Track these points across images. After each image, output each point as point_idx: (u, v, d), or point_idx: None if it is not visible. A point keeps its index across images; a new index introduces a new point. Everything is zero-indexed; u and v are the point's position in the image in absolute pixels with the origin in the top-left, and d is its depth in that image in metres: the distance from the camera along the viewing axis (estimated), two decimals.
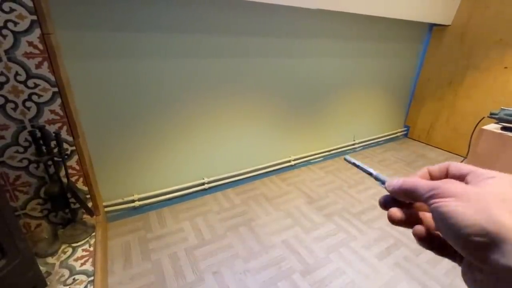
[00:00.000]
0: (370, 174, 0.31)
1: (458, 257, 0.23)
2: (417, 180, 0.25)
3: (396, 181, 0.26)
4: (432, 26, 2.43)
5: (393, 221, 0.27)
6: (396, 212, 0.26)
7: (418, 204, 0.27)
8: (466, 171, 0.24)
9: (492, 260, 0.18)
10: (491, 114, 1.21)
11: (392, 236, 1.41)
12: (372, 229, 1.46)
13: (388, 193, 0.28)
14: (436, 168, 0.27)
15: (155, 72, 1.33)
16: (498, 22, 2.02)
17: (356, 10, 1.67)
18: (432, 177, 0.27)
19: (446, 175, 0.26)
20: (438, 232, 0.24)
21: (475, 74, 2.23)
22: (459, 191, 0.21)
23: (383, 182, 0.29)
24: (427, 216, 0.26)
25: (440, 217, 0.20)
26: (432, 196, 0.22)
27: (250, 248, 1.29)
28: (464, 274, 0.22)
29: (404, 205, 0.27)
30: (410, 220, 0.26)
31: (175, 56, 1.35)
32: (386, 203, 0.28)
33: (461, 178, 0.24)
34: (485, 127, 1.21)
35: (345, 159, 0.37)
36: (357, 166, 0.34)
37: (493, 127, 1.21)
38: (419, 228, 0.25)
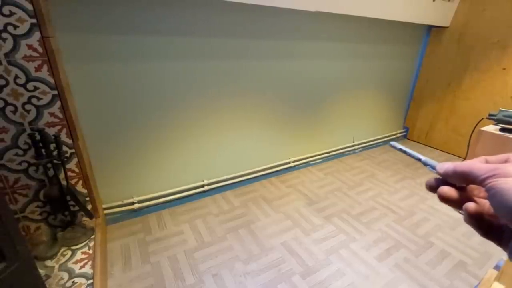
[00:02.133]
0: (418, 159, 0.31)
1: (504, 240, 0.24)
2: (473, 162, 0.25)
3: (448, 164, 0.27)
4: (430, 28, 2.45)
5: (444, 198, 0.27)
6: (448, 190, 0.27)
7: (469, 188, 0.27)
8: None
9: None
10: (489, 115, 1.21)
11: (392, 237, 1.41)
12: (371, 230, 1.46)
13: (438, 177, 0.28)
14: (494, 158, 0.27)
15: (155, 75, 1.33)
16: (496, 24, 2.03)
17: (354, 12, 1.67)
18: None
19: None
20: (488, 216, 0.25)
21: (474, 75, 2.24)
22: None
23: (433, 167, 0.29)
24: (478, 200, 0.26)
25: (498, 193, 0.21)
26: (490, 177, 0.22)
27: (249, 250, 1.28)
28: None
29: (455, 188, 0.27)
30: (460, 201, 0.26)
31: (174, 59, 1.36)
32: (435, 186, 0.28)
33: None
34: (483, 128, 1.21)
35: (390, 145, 0.37)
36: (404, 152, 0.34)
37: (492, 128, 1.21)
38: (471, 204, 0.25)
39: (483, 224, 0.25)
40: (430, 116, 2.61)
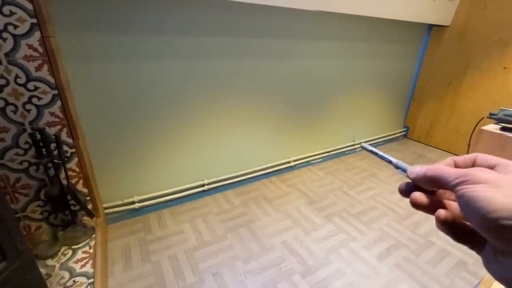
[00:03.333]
0: (389, 162, 0.31)
1: (477, 244, 0.24)
2: (443, 167, 0.25)
3: (419, 168, 0.27)
4: (431, 27, 2.44)
5: (416, 205, 0.27)
6: (419, 196, 0.27)
7: (440, 192, 0.27)
8: (494, 162, 0.24)
9: None
10: (490, 114, 1.21)
11: (392, 236, 1.41)
12: (372, 229, 1.46)
13: (409, 181, 0.28)
14: (461, 158, 0.27)
15: (155, 74, 1.33)
16: (497, 23, 2.03)
17: (354, 11, 1.67)
18: (457, 167, 0.27)
19: (472, 166, 0.26)
20: (460, 219, 0.25)
21: (475, 74, 2.23)
22: (491, 178, 0.21)
23: (404, 170, 0.29)
24: (450, 203, 0.27)
25: (469, 201, 0.21)
26: (461, 183, 0.22)
27: (250, 250, 1.29)
28: (487, 261, 0.22)
29: (425, 192, 0.27)
30: (432, 206, 0.26)
31: (174, 59, 1.36)
32: (407, 190, 0.28)
33: (488, 168, 0.24)
34: (484, 127, 1.21)
35: (362, 147, 0.37)
36: (376, 154, 0.33)
37: (493, 127, 1.21)
38: (443, 212, 0.25)
39: (456, 229, 0.25)
40: (430, 115, 2.61)
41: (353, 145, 2.45)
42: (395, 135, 2.79)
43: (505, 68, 2.05)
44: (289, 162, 2.06)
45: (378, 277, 1.17)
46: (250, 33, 1.53)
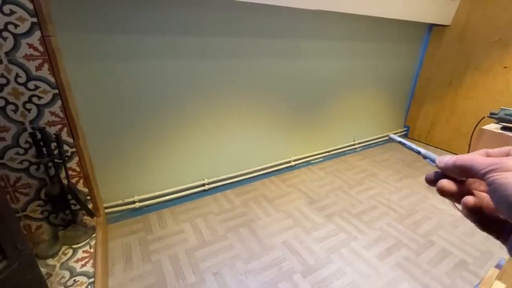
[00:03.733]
0: (418, 152, 0.31)
1: (503, 234, 0.24)
2: (473, 156, 0.25)
3: (449, 157, 0.26)
4: (431, 26, 2.44)
5: (443, 192, 0.27)
6: (447, 183, 0.26)
7: (469, 181, 0.27)
8: None
9: None
10: (491, 114, 1.21)
11: (393, 236, 1.41)
12: (372, 229, 1.46)
13: (437, 170, 0.28)
14: (496, 150, 0.26)
15: (155, 74, 1.33)
16: (497, 22, 2.02)
17: (355, 10, 1.67)
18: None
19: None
20: (487, 209, 0.25)
21: (475, 74, 2.23)
22: None
23: (432, 160, 0.29)
24: (477, 193, 0.26)
25: (498, 188, 0.21)
26: (491, 171, 0.22)
27: (250, 249, 1.29)
28: None
29: (454, 181, 0.27)
30: (459, 194, 0.26)
31: (174, 58, 1.35)
32: (435, 180, 0.28)
33: None
34: (485, 127, 1.21)
35: (390, 138, 0.37)
36: (404, 144, 0.33)
37: (493, 127, 1.21)
38: (470, 198, 0.25)
39: (482, 218, 0.25)
40: (431, 115, 2.61)
41: (354, 144, 2.45)
42: (395, 135, 2.78)
43: (505, 67, 2.05)
44: (289, 162, 2.06)
45: (378, 276, 1.17)
46: (251, 33, 1.53)
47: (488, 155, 0.26)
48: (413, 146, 0.32)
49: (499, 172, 0.21)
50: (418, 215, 1.59)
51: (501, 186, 0.20)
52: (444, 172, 0.27)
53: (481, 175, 0.23)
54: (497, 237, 0.24)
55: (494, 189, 0.21)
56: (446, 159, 0.27)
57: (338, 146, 2.34)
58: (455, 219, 1.57)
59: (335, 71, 2.02)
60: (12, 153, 0.99)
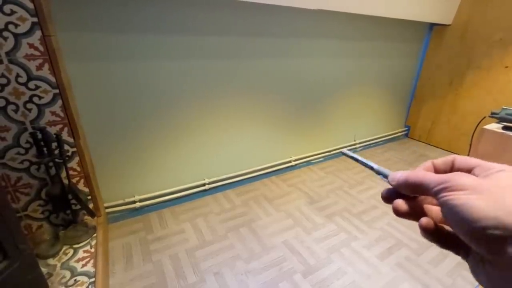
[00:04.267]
0: (371, 168, 0.30)
1: (462, 250, 0.23)
2: (423, 173, 0.24)
3: (400, 174, 0.26)
4: (432, 26, 2.43)
5: (398, 213, 0.26)
6: (401, 204, 0.26)
7: (422, 197, 0.27)
8: (473, 164, 0.23)
9: (509, 252, 0.17)
10: (492, 113, 1.21)
11: (393, 236, 1.41)
12: (373, 229, 1.45)
13: (390, 187, 0.28)
14: (440, 161, 0.26)
15: (156, 73, 1.33)
16: (499, 22, 2.02)
17: (356, 10, 1.67)
18: (437, 171, 0.26)
19: (452, 168, 0.25)
20: (443, 225, 0.24)
21: (476, 73, 2.22)
22: (473, 183, 0.20)
23: (385, 176, 0.28)
24: (431, 208, 0.26)
25: (452, 210, 0.20)
26: (443, 190, 0.21)
27: (251, 249, 1.29)
28: (474, 269, 0.21)
29: (407, 198, 0.27)
30: (415, 212, 0.26)
31: (175, 58, 1.35)
32: (388, 197, 0.27)
33: (468, 171, 0.23)
34: (486, 126, 1.21)
35: (342, 153, 0.36)
36: (357, 160, 0.32)
37: (494, 126, 1.20)
38: (426, 220, 0.24)
39: (439, 235, 0.24)
40: (432, 114, 2.61)
41: (354, 144, 2.45)
42: (396, 135, 2.78)
43: (506, 67, 2.04)
44: (289, 162, 2.05)
45: (379, 276, 1.17)
46: (251, 32, 1.53)
47: (434, 167, 0.26)
48: (366, 161, 0.31)
49: (450, 191, 0.21)
50: None
51: (454, 208, 0.20)
52: (397, 190, 0.27)
53: (432, 194, 0.22)
54: (457, 253, 0.24)
55: (447, 210, 0.20)
56: (397, 175, 0.26)
57: (339, 145, 2.34)
58: None
59: (336, 70, 2.02)
60: (13, 153, 0.99)
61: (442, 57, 2.42)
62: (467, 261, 0.23)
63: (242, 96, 1.65)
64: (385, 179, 0.28)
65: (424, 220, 0.24)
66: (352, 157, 0.33)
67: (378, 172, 0.29)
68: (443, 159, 0.26)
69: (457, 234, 0.21)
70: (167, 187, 1.58)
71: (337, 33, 1.88)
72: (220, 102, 1.58)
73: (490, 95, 2.17)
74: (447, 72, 2.41)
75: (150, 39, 1.26)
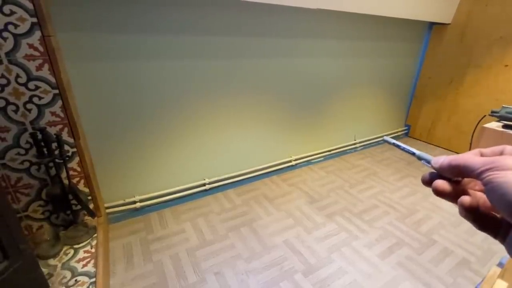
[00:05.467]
0: (413, 154, 0.31)
1: (501, 232, 0.23)
2: (468, 156, 0.25)
3: (443, 158, 0.27)
4: (432, 25, 2.43)
5: (438, 192, 0.27)
6: (442, 184, 0.27)
7: (464, 181, 0.27)
8: None
9: None
10: (492, 112, 1.21)
11: (394, 235, 1.41)
12: (374, 228, 1.45)
13: (433, 171, 0.28)
14: (489, 150, 0.26)
15: (156, 73, 1.33)
16: (499, 20, 2.02)
17: (356, 9, 1.66)
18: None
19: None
20: (484, 209, 0.25)
21: (476, 72, 2.22)
22: None
23: (427, 161, 0.29)
24: (473, 192, 0.26)
25: (496, 187, 0.20)
26: (487, 170, 0.22)
27: (251, 249, 1.28)
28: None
29: (449, 181, 0.27)
30: (455, 194, 0.26)
31: (175, 58, 1.35)
32: (430, 181, 0.28)
33: None
34: (486, 125, 1.21)
35: (384, 140, 0.37)
36: (398, 147, 0.34)
37: (495, 125, 1.20)
38: (467, 198, 0.25)
39: (479, 217, 0.25)
40: (432, 113, 2.60)
41: (354, 144, 2.45)
42: (396, 134, 2.78)
43: (506, 65, 2.04)
44: (290, 161, 2.05)
45: (380, 275, 1.17)
46: (252, 33, 1.53)
47: (482, 155, 0.26)
48: (408, 147, 0.32)
49: (495, 171, 0.21)
50: (419, 214, 1.59)
51: (499, 185, 0.20)
52: (440, 173, 0.27)
53: (476, 175, 0.23)
54: (495, 236, 0.24)
55: (491, 189, 0.21)
56: (441, 159, 0.27)
57: (339, 145, 2.34)
58: (457, 217, 1.56)
59: (335, 70, 2.02)
60: (13, 153, 0.99)
61: (442, 56, 2.42)
62: (504, 243, 0.23)
63: (243, 96, 1.65)
64: (427, 164, 0.29)
65: (466, 198, 0.25)
66: (393, 144, 0.35)
67: (420, 158, 0.30)
68: (492, 148, 0.26)
69: (498, 211, 0.21)
70: (168, 187, 1.58)
71: (337, 33, 1.88)
72: (220, 102, 1.58)
73: (490, 93, 2.16)
74: (447, 71, 2.40)
75: (150, 39, 1.26)
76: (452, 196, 0.26)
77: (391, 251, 1.30)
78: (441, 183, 0.27)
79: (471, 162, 0.23)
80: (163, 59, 1.32)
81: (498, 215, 0.24)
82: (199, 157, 1.63)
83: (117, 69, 1.23)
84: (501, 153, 0.25)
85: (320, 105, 2.07)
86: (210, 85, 1.51)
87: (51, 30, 0.95)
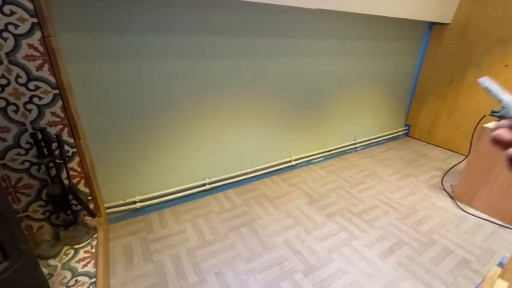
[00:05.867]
0: (500, 101, 0.30)
1: None
2: None
3: None
4: (432, 25, 2.43)
5: (497, 140, 0.26)
6: (505, 132, 0.26)
7: None
8: None
9: None
10: (492, 112, 1.21)
11: (395, 235, 1.41)
12: (374, 228, 1.45)
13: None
14: None
15: (156, 73, 1.33)
16: (499, 20, 2.02)
17: (356, 9, 1.66)
18: None
19: None
20: None
21: (476, 72, 2.22)
22: None
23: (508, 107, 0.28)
24: None
25: None
26: None
27: (252, 249, 1.28)
28: None
29: None
30: None
31: (175, 58, 1.35)
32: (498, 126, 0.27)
33: None
34: (486, 125, 1.21)
35: (478, 82, 0.35)
36: (490, 91, 0.32)
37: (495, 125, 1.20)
38: None
39: None
40: (432, 113, 2.60)
41: (355, 144, 2.45)
42: (396, 134, 2.78)
43: (506, 65, 2.04)
44: (290, 161, 2.05)
45: (380, 275, 1.17)
46: (252, 33, 1.53)
47: None
48: (498, 93, 0.30)
49: None
50: (419, 213, 1.59)
51: None
52: None
53: None
54: None
55: None
56: None
57: (339, 145, 2.34)
58: (457, 217, 1.56)
59: (335, 70, 2.02)
60: (13, 153, 0.99)
61: (442, 56, 2.42)
62: None
63: (243, 96, 1.65)
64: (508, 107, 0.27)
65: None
66: (486, 88, 0.33)
67: (506, 106, 0.29)
68: None
69: None
70: (168, 187, 1.58)
71: (336, 33, 1.88)
72: (220, 102, 1.58)
73: None
74: (447, 71, 2.40)
75: (151, 40, 1.26)
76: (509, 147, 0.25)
77: (391, 251, 1.30)
78: (503, 131, 0.26)
79: None
80: (163, 59, 1.33)
81: None
82: (199, 157, 1.64)
83: (117, 69, 1.23)
84: None
85: (320, 105, 2.07)
86: (210, 85, 1.51)
87: (51, 30, 0.95)
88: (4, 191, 0.72)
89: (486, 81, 0.33)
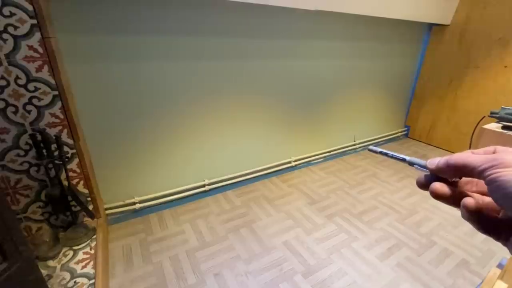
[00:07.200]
0: (403, 160, 0.30)
1: (503, 234, 0.23)
2: (466, 155, 0.24)
3: (439, 158, 0.26)
4: (431, 26, 2.44)
5: (437, 195, 0.26)
6: (441, 186, 0.26)
7: (462, 183, 0.26)
8: None
9: None
10: (491, 113, 1.21)
11: (394, 236, 1.41)
12: (373, 229, 1.45)
13: (427, 173, 0.27)
14: (481, 151, 0.26)
15: (155, 75, 1.33)
16: (498, 21, 2.02)
17: (354, 10, 1.67)
18: None
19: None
20: (485, 210, 0.24)
21: (475, 73, 2.23)
22: None
23: (420, 165, 0.28)
24: (473, 194, 0.26)
25: (502, 186, 0.20)
26: (490, 168, 0.21)
27: (251, 250, 1.28)
28: None
29: (446, 182, 0.26)
30: (453, 197, 0.25)
31: (174, 59, 1.35)
32: (425, 183, 0.27)
33: None
34: (485, 126, 1.21)
35: (369, 150, 0.36)
36: (386, 154, 0.32)
37: (494, 126, 1.20)
38: (470, 200, 0.24)
39: (481, 219, 0.24)
40: (431, 114, 2.61)
41: (354, 145, 2.45)
42: (396, 135, 2.78)
43: (506, 66, 2.04)
44: (290, 162, 2.05)
45: (379, 277, 1.17)
46: (251, 34, 1.53)
47: (473, 154, 0.26)
48: (397, 154, 0.31)
49: (498, 168, 0.20)
50: (419, 215, 1.59)
51: (504, 183, 0.20)
52: (437, 174, 0.26)
53: (478, 173, 0.22)
54: (497, 238, 0.24)
55: (496, 187, 0.20)
56: (437, 160, 0.26)
57: (339, 146, 2.34)
58: (457, 219, 1.56)
59: (335, 71, 2.02)
60: (13, 154, 0.99)
61: (441, 57, 2.43)
62: (507, 244, 0.23)
63: (242, 97, 1.65)
64: (421, 168, 0.28)
65: (470, 200, 0.24)
66: (380, 152, 0.33)
67: (411, 163, 0.29)
68: (483, 149, 0.26)
69: (504, 210, 0.21)
70: (167, 188, 1.58)
71: (336, 34, 1.88)
72: (220, 103, 1.58)
73: (490, 94, 2.17)
74: (447, 72, 2.41)
75: (150, 40, 1.26)
76: (451, 199, 0.26)
77: (390, 252, 1.30)
78: (440, 186, 0.26)
79: (471, 161, 0.23)
80: (163, 60, 1.33)
81: (499, 216, 0.24)
82: (198, 158, 1.64)
83: (117, 70, 1.23)
84: (494, 153, 0.25)
85: (320, 106, 2.07)
86: (209, 86, 1.51)
87: (50, 31, 0.96)
88: (3, 192, 0.72)
89: (377, 148, 0.34)
